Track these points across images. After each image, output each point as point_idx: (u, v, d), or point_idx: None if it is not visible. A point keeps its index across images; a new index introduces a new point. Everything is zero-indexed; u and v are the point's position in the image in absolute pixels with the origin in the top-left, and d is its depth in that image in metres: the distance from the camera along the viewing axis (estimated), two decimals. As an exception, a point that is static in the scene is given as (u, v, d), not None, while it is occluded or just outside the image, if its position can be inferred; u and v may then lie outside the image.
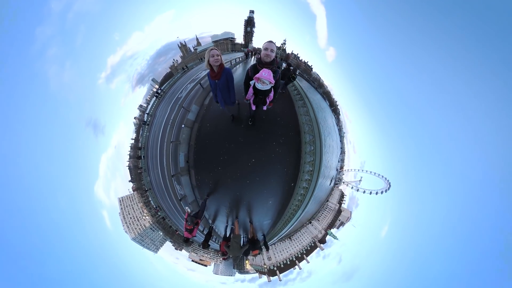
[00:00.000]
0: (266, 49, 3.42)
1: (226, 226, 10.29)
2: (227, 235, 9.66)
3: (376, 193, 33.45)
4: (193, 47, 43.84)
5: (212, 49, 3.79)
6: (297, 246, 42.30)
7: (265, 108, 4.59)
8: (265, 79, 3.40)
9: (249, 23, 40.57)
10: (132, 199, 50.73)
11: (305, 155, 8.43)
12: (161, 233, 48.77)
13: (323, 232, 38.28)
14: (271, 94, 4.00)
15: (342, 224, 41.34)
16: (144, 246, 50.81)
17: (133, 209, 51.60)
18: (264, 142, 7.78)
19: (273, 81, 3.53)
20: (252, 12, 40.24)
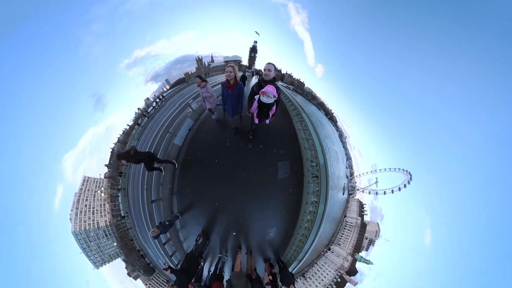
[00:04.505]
0: (265, 69, 4.26)
1: (218, 260, 8.44)
2: (218, 272, 7.82)
3: (399, 188, 30.72)
4: (208, 63, 56.53)
5: (228, 65, 4.54)
6: (317, 286, 32.71)
7: (267, 121, 5.12)
8: (270, 93, 4.14)
9: (253, 50, 57.02)
10: (99, 185, 42.21)
11: (309, 174, 8.12)
12: (115, 244, 37.27)
13: (349, 259, 31.49)
14: (274, 108, 4.62)
15: (371, 242, 36.22)
16: (86, 252, 40.02)
17: (94, 197, 41.97)
18: (264, 160, 7.67)
19: (277, 95, 4.23)
20: (255, 42, 57.16)
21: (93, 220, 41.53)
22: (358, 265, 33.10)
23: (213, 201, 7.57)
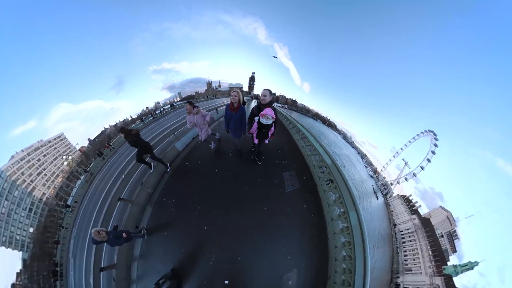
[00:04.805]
0: (262, 94, 4.79)
1: None
2: None
3: (432, 152, 26.72)
4: (215, 87, 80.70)
5: (234, 90, 5.14)
6: None
7: (267, 141, 5.44)
8: (269, 115, 4.51)
9: (252, 79, 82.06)
10: (68, 153, 35.67)
11: (321, 181, 7.05)
12: (31, 230, 25.52)
13: (439, 282, 20.85)
14: (272, 128, 5.01)
15: (452, 236, 27.05)
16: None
17: (54, 159, 33.98)
18: (267, 171, 6.85)
19: (275, 117, 4.63)
20: (253, 73, 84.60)
21: (32, 181, 31.13)
22: (458, 280, 22.04)
23: (201, 223, 5.70)
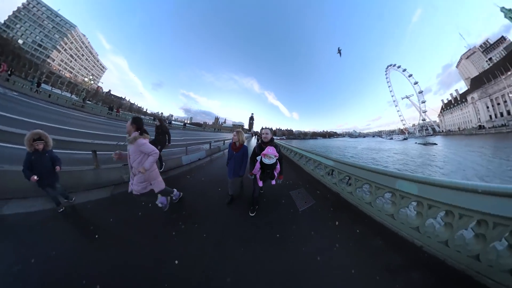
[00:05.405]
0: (263, 133, 4.83)
1: None
2: None
3: (404, 70, 40.36)
4: (221, 122, 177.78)
5: (235, 130, 5.29)
6: None
7: (273, 182, 5.08)
8: (271, 154, 4.40)
9: (251, 119, 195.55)
10: (95, 79, 50.20)
11: (339, 186, 5.84)
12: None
13: None
14: (278, 166, 4.82)
15: (498, 43, 20.32)
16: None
17: (82, 67, 45.27)
18: (272, 191, 5.98)
19: (277, 154, 4.46)
20: (252, 114, 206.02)
21: (63, 48, 42.34)
22: None
23: (173, 251, 2.94)
